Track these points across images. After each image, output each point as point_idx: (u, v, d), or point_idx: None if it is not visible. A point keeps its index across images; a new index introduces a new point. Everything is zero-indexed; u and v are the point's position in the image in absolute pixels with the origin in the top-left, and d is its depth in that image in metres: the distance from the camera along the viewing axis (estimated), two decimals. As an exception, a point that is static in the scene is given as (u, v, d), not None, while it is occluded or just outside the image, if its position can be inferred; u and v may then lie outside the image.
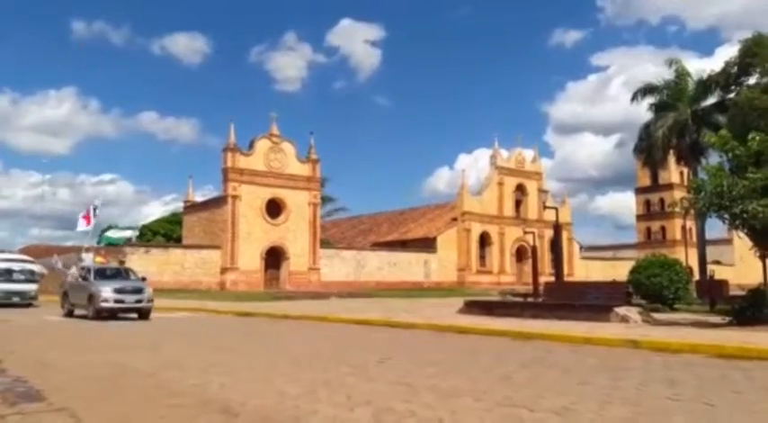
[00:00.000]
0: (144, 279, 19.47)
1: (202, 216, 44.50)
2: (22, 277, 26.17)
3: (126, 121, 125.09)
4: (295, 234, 42.95)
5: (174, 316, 18.90)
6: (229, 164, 41.29)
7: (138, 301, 17.43)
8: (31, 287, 25.92)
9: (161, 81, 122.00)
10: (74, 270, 22.40)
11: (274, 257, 42.62)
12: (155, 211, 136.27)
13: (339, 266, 44.63)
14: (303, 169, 43.96)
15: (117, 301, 17.18)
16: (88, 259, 28.32)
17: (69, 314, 19.12)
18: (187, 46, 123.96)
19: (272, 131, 43.44)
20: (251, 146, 42.67)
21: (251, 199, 41.58)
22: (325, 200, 51.48)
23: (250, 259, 41.03)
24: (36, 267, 27.77)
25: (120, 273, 20.16)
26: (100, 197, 39.65)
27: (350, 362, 8.02)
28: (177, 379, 6.77)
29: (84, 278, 18.86)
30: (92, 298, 17.42)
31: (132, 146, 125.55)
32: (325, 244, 46.43)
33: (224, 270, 40.57)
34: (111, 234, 43.41)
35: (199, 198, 48.74)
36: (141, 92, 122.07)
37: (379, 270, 46.25)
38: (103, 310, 17.15)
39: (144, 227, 66.00)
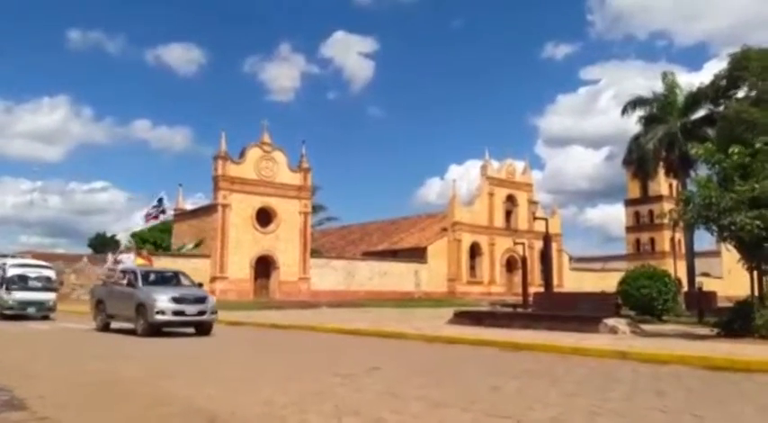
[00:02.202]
0: (201, 285, 16.78)
1: (192, 224, 44.28)
2: (39, 285, 22.44)
3: (119, 129, 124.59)
4: (285, 243, 42.81)
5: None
6: (220, 172, 41.15)
7: (201, 313, 14.45)
8: (49, 296, 22.30)
9: (155, 90, 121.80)
10: (105, 270, 19.77)
11: (264, 266, 42.44)
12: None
13: (329, 276, 44.50)
14: (294, 178, 43.89)
15: (176, 313, 14.12)
16: (128, 261, 22.57)
17: (105, 327, 16.18)
18: (182, 56, 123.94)
19: (263, 140, 43.36)
20: (242, 154, 42.57)
21: (241, 207, 41.43)
22: (316, 209, 51.39)
23: (240, 268, 40.81)
24: (52, 273, 24.17)
25: (173, 277, 16.90)
26: (164, 192, 28.25)
27: (339, 372, 7.98)
28: (166, 388, 6.71)
29: (131, 284, 15.43)
30: (142, 309, 14.27)
31: (125, 154, 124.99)
32: (316, 253, 46.31)
33: (213, 279, 40.32)
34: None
35: (189, 206, 48.54)
36: (135, 100, 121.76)
37: (370, 280, 46.15)
38: (159, 324, 14.15)
39: (134, 234, 65.67)
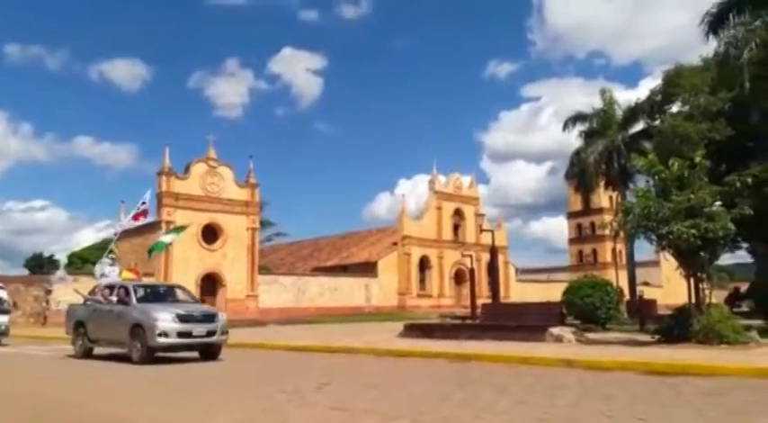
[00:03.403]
0: (204, 301, 14.26)
1: (135, 242, 42.94)
2: None
3: (60, 146, 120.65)
4: (232, 260, 42.02)
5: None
6: (164, 188, 40.16)
7: (210, 334, 12.30)
8: (2, 319, 19.45)
9: (98, 106, 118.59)
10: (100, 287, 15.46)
11: (210, 284, 41.49)
12: (88, 238, 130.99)
13: (278, 293, 43.88)
14: (241, 194, 43.22)
15: (182, 335, 11.92)
16: (112, 275, 17.77)
17: (87, 354, 13.81)
18: (126, 72, 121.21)
19: (209, 155, 42.58)
20: (187, 170, 41.67)
21: (187, 223, 40.53)
22: (265, 224, 50.73)
23: (185, 286, 39.83)
24: (4, 294, 21.14)
25: (169, 292, 14.66)
26: (150, 190, 20.26)
27: (287, 388, 7.83)
28: (105, 410, 6.44)
29: (122, 301, 13.08)
30: (138, 331, 12.05)
31: (66, 171, 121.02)
32: (264, 270, 45.62)
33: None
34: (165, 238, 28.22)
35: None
36: (77, 117, 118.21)
37: (320, 296, 45.73)
38: (160, 347, 11.93)
39: (73, 255, 63.32)
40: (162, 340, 11.79)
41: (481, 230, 42.30)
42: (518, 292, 53.23)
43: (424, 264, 51.49)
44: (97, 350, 14.01)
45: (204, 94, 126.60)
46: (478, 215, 46.19)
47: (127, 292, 13.26)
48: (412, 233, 50.41)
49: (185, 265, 40.03)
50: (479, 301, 28.06)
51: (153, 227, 41.10)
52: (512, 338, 13.95)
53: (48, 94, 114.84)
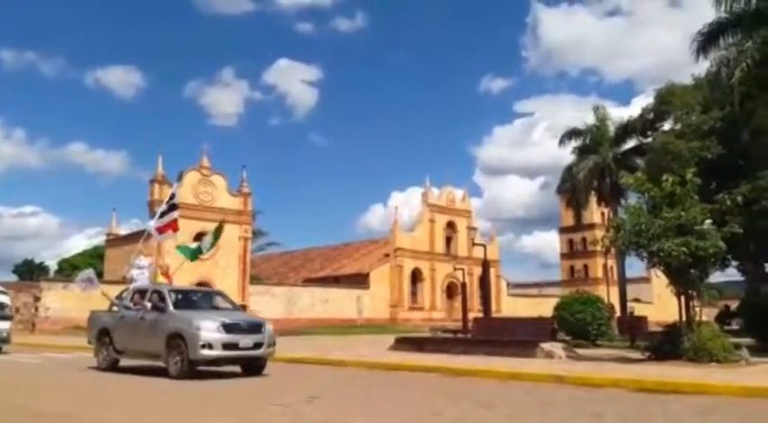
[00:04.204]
0: (244, 308, 12.88)
1: (126, 250, 42.71)
2: None
3: (52, 152, 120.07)
4: (224, 269, 41.86)
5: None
6: (156, 196, 40.03)
7: (257, 346, 10.99)
8: (3, 326, 18.29)
9: (93, 113, 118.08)
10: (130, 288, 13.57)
11: (201, 293, 41.32)
12: (78, 244, 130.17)
13: (270, 303, 43.65)
14: (234, 203, 43.15)
15: (227, 346, 10.59)
16: (142, 278, 15.07)
17: (112, 366, 12.44)
18: (122, 79, 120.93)
19: (202, 163, 42.56)
20: (180, 178, 41.61)
21: (179, 232, 40.37)
22: (257, 234, 50.59)
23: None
24: (6, 298, 19.91)
25: (207, 299, 13.18)
26: (175, 187, 16.48)
27: (278, 401, 7.79)
28: (95, 421, 6.39)
29: (157, 307, 11.59)
30: (177, 341, 10.65)
31: (58, 177, 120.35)
32: (256, 280, 45.44)
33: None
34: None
35: (124, 231, 46.99)
36: (71, 123, 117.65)
37: (312, 307, 45.55)
38: (203, 361, 10.62)
39: (63, 261, 62.92)
40: (205, 353, 10.40)
41: (473, 244, 42.44)
42: (509, 306, 53.24)
43: (416, 276, 51.46)
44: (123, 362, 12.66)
45: (199, 103, 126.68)
46: (471, 228, 46.39)
47: (162, 298, 11.69)
48: (404, 245, 50.41)
49: (176, 273, 39.77)
50: (471, 315, 28.06)
51: (144, 235, 40.97)
52: (503, 353, 13.94)
53: (42, 100, 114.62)
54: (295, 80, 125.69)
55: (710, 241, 12.07)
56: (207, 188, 42.42)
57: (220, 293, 13.92)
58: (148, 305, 11.80)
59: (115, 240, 45.42)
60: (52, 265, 66.93)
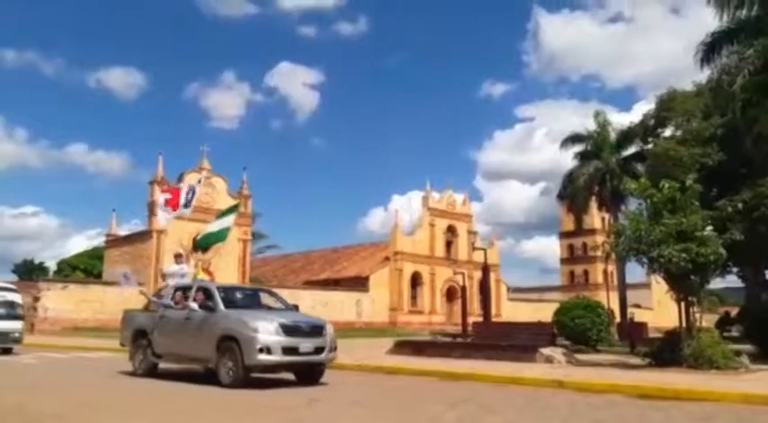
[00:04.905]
0: (296, 308, 11.59)
1: (125, 251, 42.78)
2: (2, 311, 17.70)
3: (53, 153, 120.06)
4: (223, 271, 41.75)
5: (90, 355, 17.90)
6: (156, 197, 40.05)
7: (318, 350, 9.93)
8: (15, 326, 17.63)
9: (94, 114, 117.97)
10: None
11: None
12: (78, 245, 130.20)
13: (269, 305, 43.68)
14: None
15: (287, 351, 9.51)
16: (180, 275, 13.45)
17: (150, 371, 11.35)
18: (123, 80, 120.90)
19: (202, 165, 42.60)
20: (180, 179, 41.61)
21: (177, 234, 40.33)
22: (257, 236, 50.61)
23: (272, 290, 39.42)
24: (18, 297, 19.32)
25: (254, 298, 11.95)
26: (202, 175, 15.17)
27: (278, 405, 7.78)
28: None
29: (205, 306, 10.50)
30: (229, 344, 9.59)
31: (58, 178, 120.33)
32: (256, 282, 45.43)
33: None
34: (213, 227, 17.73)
35: (124, 232, 47.00)
36: (72, 123, 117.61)
37: (312, 309, 44.96)
38: (261, 367, 9.53)
39: (62, 262, 62.89)
40: (263, 358, 9.31)
41: (474, 248, 42.36)
42: (509, 310, 53.20)
43: (415, 280, 51.43)
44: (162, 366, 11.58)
45: (200, 105, 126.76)
46: (471, 233, 46.34)
47: (210, 296, 10.62)
48: (404, 249, 50.39)
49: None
50: (471, 319, 28.05)
51: (143, 236, 40.97)
52: (502, 358, 13.91)
53: (43, 101, 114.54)
54: (297, 83, 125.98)
55: (711, 248, 12.06)
56: (207, 190, 42.38)
57: (269, 291, 12.71)
58: (193, 304, 10.66)
59: (115, 241, 45.39)
60: (52, 265, 66.95)
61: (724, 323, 30.93)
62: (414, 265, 50.93)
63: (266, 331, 9.42)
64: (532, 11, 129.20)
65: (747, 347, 15.42)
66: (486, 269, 27.18)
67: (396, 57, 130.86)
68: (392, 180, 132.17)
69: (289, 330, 9.62)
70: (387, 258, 50.65)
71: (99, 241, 58.62)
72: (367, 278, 49.38)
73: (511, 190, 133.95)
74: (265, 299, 11.92)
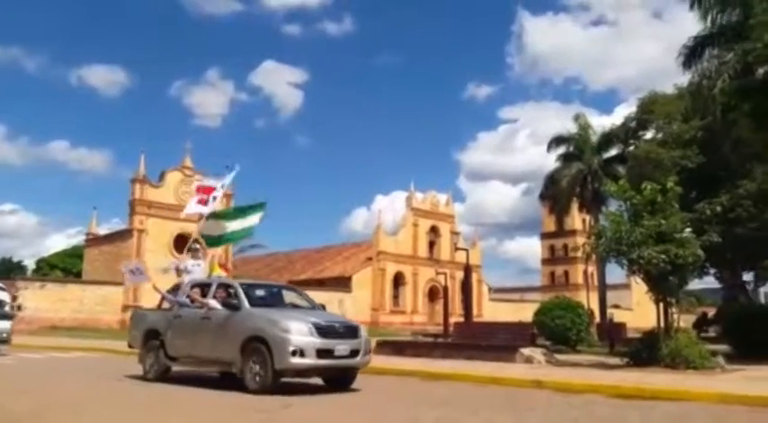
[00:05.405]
0: (323, 307, 10.72)
1: (105, 250, 42.35)
2: None
3: (34, 150, 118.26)
4: (205, 271, 41.54)
5: (68, 356, 17.66)
6: (137, 196, 39.72)
7: (354, 353, 9.08)
8: (3, 326, 16.76)
9: (76, 111, 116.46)
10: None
11: (181, 294, 40.96)
12: (58, 244, 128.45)
13: (250, 305, 43.43)
14: (216, 204, 42.86)
15: (322, 354, 8.66)
16: (196, 270, 12.22)
17: (163, 375, 10.36)
18: (106, 77, 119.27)
19: (184, 164, 42.28)
20: (161, 178, 41.31)
21: (158, 233, 40.00)
22: (239, 236, 50.25)
23: (154, 297, 38.85)
24: (5, 295, 18.39)
25: (278, 296, 10.98)
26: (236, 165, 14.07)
27: (258, 407, 7.71)
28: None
29: (228, 304, 9.57)
30: (257, 346, 8.73)
31: (39, 175, 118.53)
32: (237, 281, 45.17)
33: (126, 308, 38.49)
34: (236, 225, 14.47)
35: (104, 231, 46.47)
36: (54, 121, 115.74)
37: (293, 309, 45.34)
38: (293, 371, 8.73)
39: (41, 260, 62.09)
40: (296, 361, 8.46)
41: (456, 248, 42.50)
42: (491, 310, 53.41)
43: (398, 280, 51.47)
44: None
45: (184, 103, 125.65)
46: (454, 233, 46.44)
47: (234, 293, 9.75)
48: (387, 249, 50.41)
49: (156, 275, 39.41)
50: (452, 319, 28.11)
51: (123, 235, 40.57)
52: (483, 358, 13.96)
53: (24, 97, 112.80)
54: (281, 82, 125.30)
55: (690, 249, 12.20)
56: (189, 189, 41.95)
57: (293, 288, 11.83)
58: (213, 302, 9.75)
59: (95, 240, 44.93)
60: (30, 264, 66.09)
61: (701, 324, 31.32)
62: (396, 265, 50.96)
63: (299, 332, 8.59)
64: (517, 13, 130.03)
65: (724, 348, 15.61)
66: (468, 269, 27.25)
67: (380, 57, 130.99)
68: (376, 180, 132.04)
69: (323, 331, 8.79)
70: (369, 258, 50.63)
71: (79, 240, 57.98)
72: (350, 278, 49.31)
73: (493, 191, 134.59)
74: (289, 296, 11.05)
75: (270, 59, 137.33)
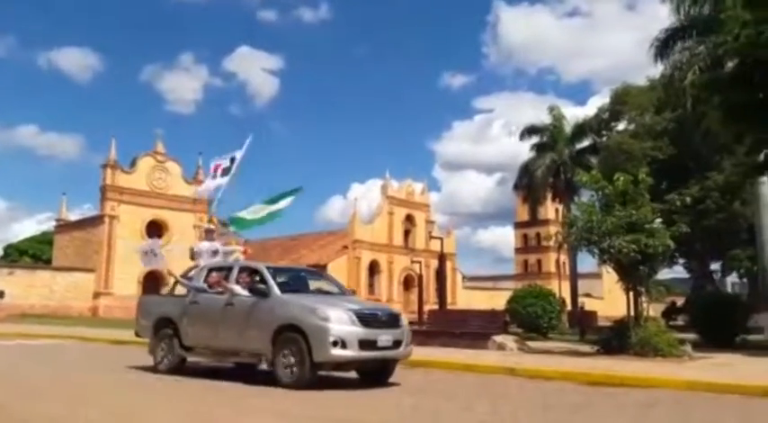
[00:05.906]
0: (354, 292, 9.09)
1: (76, 236, 41.67)
2: None
3: (1, 134, 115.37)
4: (177, 258, 41.02)
5: (36, 343, 17.37)
6: (108, 181, 39.11)
7: (396, 344, 8.28)
8: None
9: (45, 95, 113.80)
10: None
11: (153, 283, 40.41)
12: (27, 229, 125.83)
13: (224, 293, 43.17)
14: (189, 190, 42.36)
15: (364, 345, 7.87)
16: (213, 251, 11.18)
17: (177, 367, 9.41)
18: (77, 61, 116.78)
19: (156, 149, 41.72)
20: (133, 164, 40.72)
21: (130, 219, 39.48)
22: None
23: (126, 284, 38.67)
24: None
25: (304, 281, 9.97)
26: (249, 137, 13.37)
27: (230, 394, 7.69)
28: (40, 412, 6.18)
29: (255, 290, 8.71)
30: (291, 336, 7.94)
31: (7, 160, 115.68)
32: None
33: (97, 295, 38.02)
34: (246, 214, 13.75)
35: (75, 217, 45.70)
36: (22, 105, 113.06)
37: (267, 297, 45.18)
38: (333, 364, 7.95)
39: (10, 246, 60.85)
40: (337, 353, 7.70)
41: (431, 237, 42.72)
42: (465, 298, 53.86)
43: (373, 268, 51.57)
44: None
45: (156, 88, 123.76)
46: (429, 222, 46.64)
47: (261, 278, 8.85)
48: (363, 237, 50.44)
49: (127, 262, 38.95)
50: (427, 307, 28.33)
51: (95, 222, 39.95)
52: (457, 345, 14.13)
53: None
54: (256, 68, 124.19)
55: (660, 239, 12.43)
56: (161, 175, 41.61)
57: (320, 273, 11.04)
58: (237, 287, 8.91)
59: (65, 226, 44.18)
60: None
61: (670, 312, 32.02)
62: (372, 254, 51.05)
63: (339, 320, 7.79)
64: (492, 3, 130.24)
65: (692, 336, 15.97)
66: (442, 258, 27.45)
67: (357, 45, 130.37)
68: (352, 168, 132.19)
69: (365, 320, 8.00)
70: (345, 247, 50.61)
71: (49, 226, 56.91)
72: (325, 266, 49.23)
73: (468, 180, 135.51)
74: (315, 282, 10.10)
75: (245, 45, 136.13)
